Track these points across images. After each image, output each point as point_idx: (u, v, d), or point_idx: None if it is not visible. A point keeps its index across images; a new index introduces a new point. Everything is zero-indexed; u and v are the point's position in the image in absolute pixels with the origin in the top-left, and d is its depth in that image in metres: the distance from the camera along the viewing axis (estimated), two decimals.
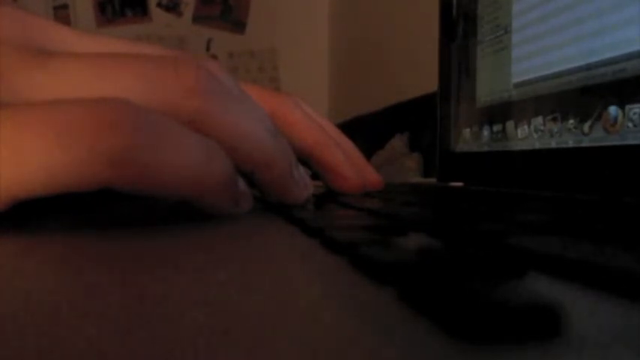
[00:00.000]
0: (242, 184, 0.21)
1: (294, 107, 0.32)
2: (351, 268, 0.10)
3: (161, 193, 0.17)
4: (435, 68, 0.53)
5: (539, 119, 0.37)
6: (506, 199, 0.28)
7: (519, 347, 0.06)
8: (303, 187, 0.24)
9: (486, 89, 0.44)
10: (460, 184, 0.48)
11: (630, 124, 0.29)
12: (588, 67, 0.32)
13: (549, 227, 0.14)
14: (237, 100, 0.21)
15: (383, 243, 0.12)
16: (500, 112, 0.42)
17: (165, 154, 0.17)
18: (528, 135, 0.38)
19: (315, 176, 0.32)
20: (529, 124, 0.38)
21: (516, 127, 0.40)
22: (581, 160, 0.32)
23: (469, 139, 0.47)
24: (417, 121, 1.01)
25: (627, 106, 0.29)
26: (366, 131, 1.24)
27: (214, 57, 1.80)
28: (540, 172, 0.36)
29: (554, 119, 0.35)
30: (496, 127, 0.43)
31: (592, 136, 0.32)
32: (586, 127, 0.32)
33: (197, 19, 1.88)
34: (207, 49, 1.88)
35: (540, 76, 0.37)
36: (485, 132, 0.44)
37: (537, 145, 0.37)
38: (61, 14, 1.83)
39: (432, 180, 0.66)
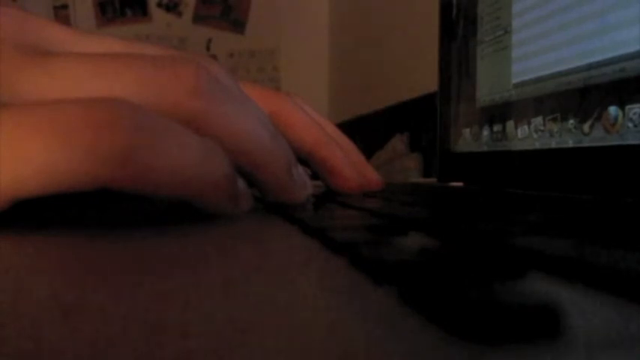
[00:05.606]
0: (242, 184, 0.21)
1: (294, 107, 0.32)
2: (351, 268, 0.10)
3: (160, 193, 0.17)
4: (435, 68, 0.53)
5: (539, 119, 0.37)
6: (506, 199, 0.28)
7: (519, 347, 0.06)
8: (302, 186, 0.24)
9: (486, 89, 0.44)
10: (460, 184, 0.48)
11: (630, 124, 0.29)
12: (588, 67, 0.32)
13: (549, 227, 0.14)
14: (236, 100, 0.21)
15: (383, 243, 0.12)
16: (500, 112, 0.42)
17: (164, 154, 0.17)
18: (528, 135, 0.38)
19: (315, 176, 0.32)
20: (529, 124, 0.38)
21: (516, 127, 0.40)
22: (581, 160, 0.32)
23: (469, 139, 0.47)
24: (417, 121, 1.01)
25: (627, 106, 0.29)
26: (366, 131, 1.24)
27: (214, 57, 1.80)
28: (540, 172, 0.36)
29: (554, 119, 0.35)
30: (496, 127, 0.43)
31: (592, 136, 0.32)
32: (586, 127, 0.32)
33: (197, 19, 1.88)
34: (207, 49, 1.88)
35: (540, 76, 0.37)
36: (485, 132, 0.44)
37: (537, 145, 0.37)
38: (61, 14, 1.83)
39: (432, 180, 0.66)
